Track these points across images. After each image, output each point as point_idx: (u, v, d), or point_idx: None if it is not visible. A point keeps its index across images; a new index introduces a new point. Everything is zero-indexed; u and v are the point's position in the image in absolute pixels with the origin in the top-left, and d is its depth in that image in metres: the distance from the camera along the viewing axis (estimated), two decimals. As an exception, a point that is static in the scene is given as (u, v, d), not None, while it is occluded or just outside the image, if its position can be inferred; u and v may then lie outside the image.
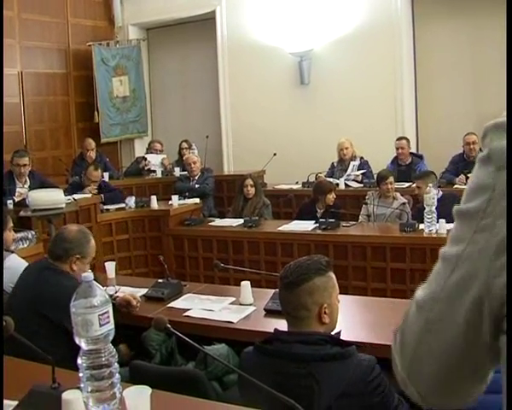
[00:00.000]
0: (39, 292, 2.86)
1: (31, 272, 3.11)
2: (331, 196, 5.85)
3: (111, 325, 1.77)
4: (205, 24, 9.02)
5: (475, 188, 0.77)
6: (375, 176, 6.24)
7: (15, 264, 3.59)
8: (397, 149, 7.03)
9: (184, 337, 2.04)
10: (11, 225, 3.96)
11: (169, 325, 2.09)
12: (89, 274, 1.80)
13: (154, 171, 7.95)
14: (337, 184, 6.80)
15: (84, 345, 1.75)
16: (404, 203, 5.71)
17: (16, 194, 5.87)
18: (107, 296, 1.80)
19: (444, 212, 4.84)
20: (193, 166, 7.20)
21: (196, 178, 7.20)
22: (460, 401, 0.89)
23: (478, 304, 0.76)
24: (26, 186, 6.09)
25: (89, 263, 3.14)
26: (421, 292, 0.86)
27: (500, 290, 0.73)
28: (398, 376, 0.91)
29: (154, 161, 8.08)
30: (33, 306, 2.86)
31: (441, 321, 0.81)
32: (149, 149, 8.43)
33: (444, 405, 0.90)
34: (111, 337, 1.78)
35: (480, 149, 0.78)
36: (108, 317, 1.76)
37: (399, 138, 7.12)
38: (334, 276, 2.28)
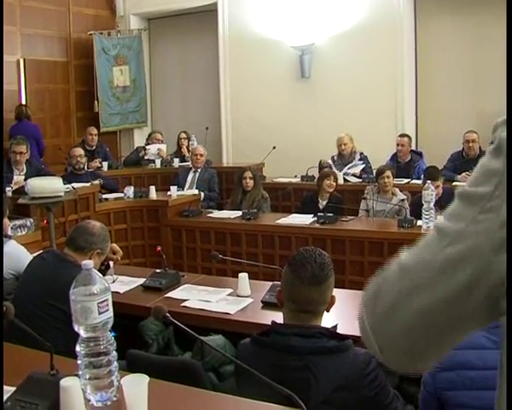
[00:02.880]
0: (56, 285, 2.80)
1: (45, 262, 3.09)
2: (328, 183, 5.88)
3: (110, 313, 1.78)
4: (206, 15, 9.01)
5: (485, 173, 0.81)
6: (374, 171, 6.25)
7: (15, 250, 3.59)
8: (397, 145, 7.03)
9: (183, 326, 2.04)
10: (8, 212, 3.96)
11: (168, 314, 2.10)
12: (88, 262, 1.81)
13: (154, 161, 7.95)
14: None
15: (82, 333, 1.76)
16: (403, 200, 5.73)
17: (13, 182, 5.86)
18: (107, 284, 1.81)
19: (443, 209, 4.84)
20: (199, 157, 7.17)
21: (199, 170, 7.19)
22: (418, 364, 0.92)
23: (471, 283, 0.80)
24: (22, 174, 6.08)
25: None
26: (408, 256, 0.88)
27: (501, 267, 0.77)
28: (360, 326, 0.94)
29: (153, 150, 8.09)
30: (49, 298, 2.84)
31: (429, 288, 0.83)
32: (150, 140, 8.41)
33: (401, 364, 0.93)
34: (110, 325, 1.79)
35: (492, 143, 0.81)
36: (107, 305, 1.77)
37: (401, 135, 7.11)
38: None
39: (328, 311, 2.25)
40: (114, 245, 3.44)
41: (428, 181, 5.02)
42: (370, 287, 0.93)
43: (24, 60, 8.38)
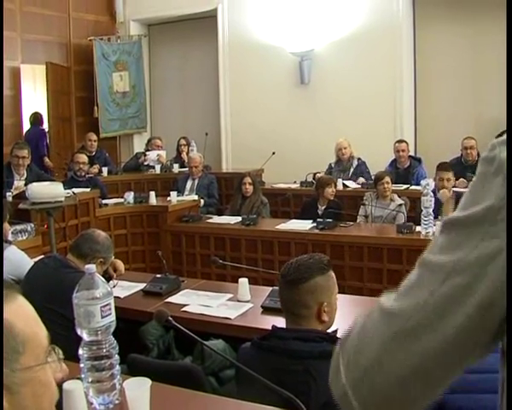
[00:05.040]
0: (57, 290, 2.82)
1: (47, 267, 3.10)
2: (330, 190, 5.93)
3: (112, 317, 1.80)
4: (206, 22, 9.04)
5: (482, 195, 0.75)
6: (373, 177, 6.29)
7: (15, 255, 3.60)
8: (397, 151, 7.05)
9: (185, 330, 2.06)
10: (8, 216, 3.98)
11: (170, 318, 2.11)
12: (91, 266, 1.83)
13: (153, 167, 7.96)
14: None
15: (85, 336, 1.77)
16: (400, 205, 5.75)
17: (13, 187, 5.87)
18: (109, 289, 1.83)
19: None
20: (194, 169, 7.14)
21: (198, 178, 7.19)
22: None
23: (484, 309, 0.73)
24: (22, 179, 6.09)
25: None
26: (392, 301, 0.80)
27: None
28: (335, 388, 0.84)
29: (152, 155, 8.11)
30: (51, 302, 2.85)
31: (422, 331, 0.76)
32: (149, 146, 8.42)
33: None
34: (112, 329, 1.81)
35: (478, 158, 0.73)
36: (110, 309, 1.79)
37: (400, 141, 7.15)
38: (334, 275, 2.30)
39: (320, 320, 2.22)
40: (119, 262, 3.43)
41: (427, 184, 4.99)
42: (348, 342, 0.84)
43: (47, 64, 8.52)
